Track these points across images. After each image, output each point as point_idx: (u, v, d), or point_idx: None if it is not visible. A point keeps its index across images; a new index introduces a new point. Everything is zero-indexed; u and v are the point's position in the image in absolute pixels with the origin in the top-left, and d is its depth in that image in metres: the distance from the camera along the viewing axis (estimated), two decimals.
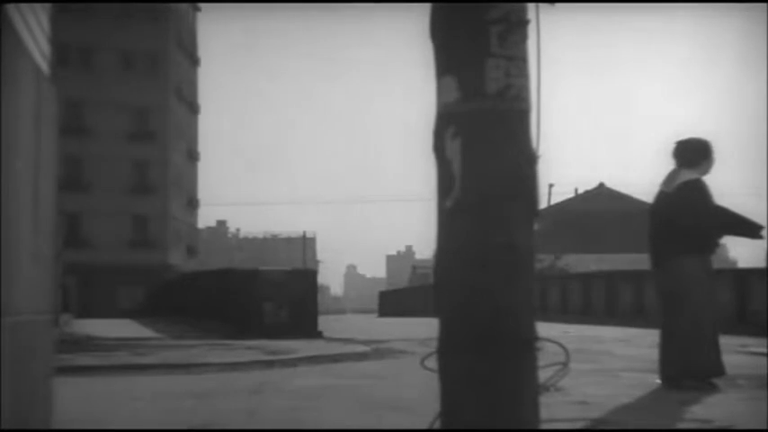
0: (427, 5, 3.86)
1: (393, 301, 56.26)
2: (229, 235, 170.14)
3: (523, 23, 3.78)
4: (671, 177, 8.14)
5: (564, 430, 5.69)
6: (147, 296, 49.79)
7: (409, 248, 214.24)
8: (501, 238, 3.68)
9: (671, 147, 8.25)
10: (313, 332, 18.04)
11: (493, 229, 3.69)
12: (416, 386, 6.99)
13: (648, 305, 23.98)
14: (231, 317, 20.36)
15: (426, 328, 9.46)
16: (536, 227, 3.79)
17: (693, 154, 8.11)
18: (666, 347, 7.89)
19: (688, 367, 7.78)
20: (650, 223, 8.19)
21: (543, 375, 3.90)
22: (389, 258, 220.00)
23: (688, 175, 8.03)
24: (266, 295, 18.91)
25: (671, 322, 7.90)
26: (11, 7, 4.11)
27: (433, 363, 3.85)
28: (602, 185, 65.57)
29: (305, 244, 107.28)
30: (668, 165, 8.22)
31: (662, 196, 8.14)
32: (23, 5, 4.49)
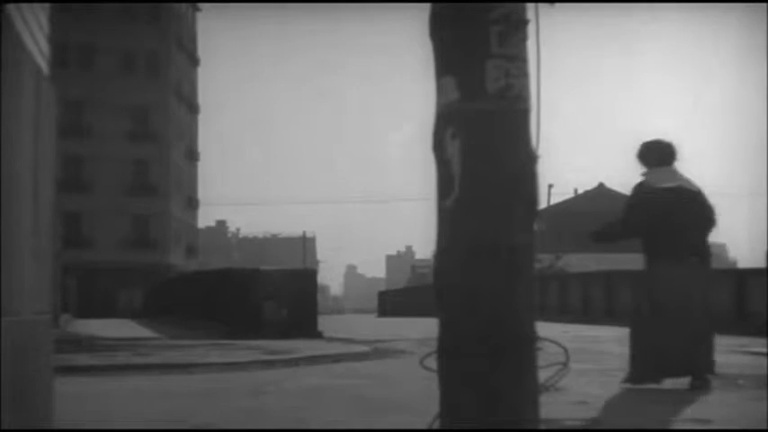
0: (427, 5, 3.86)
1: (393, 301, 56.26)
2: (229, 235, 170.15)
3: (523, 23, 3.78)
4: (678, 176, 8.14)
5: (564, 430, 5.70)
6: (147, 296, 49.77)
7: (409, 248, 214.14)
8: (501, 238, 3.68)
9: (640, 148, 8.28)
10: (313, 332, 18.02)
11: (493, 230, 3.69)
12: (416, 386, 6.99)
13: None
14: (231, 317, 20.35)
15: (426, 328, 9.46)
16: (536, 227, 3.79)
17: (671, 155, 8.22)
18: (667, 345, 7.88)
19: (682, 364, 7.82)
20: (682, 217, 8.03)
21: (543, 375, 3.90)
22: (389, 258, 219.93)
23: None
24: (266, 295, 18.90)
25: (674, 320, 7.87)
26: (11, 7, 4.11)
27: (432, 363, 3.85)
28: (601, 185, 65.56)
29: (305, 244, 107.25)
30: (670, 165, 8.21)
31: (687, 193, 8.08)
32: (23, 5, 4.49)
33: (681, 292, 7.91)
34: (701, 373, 7.79)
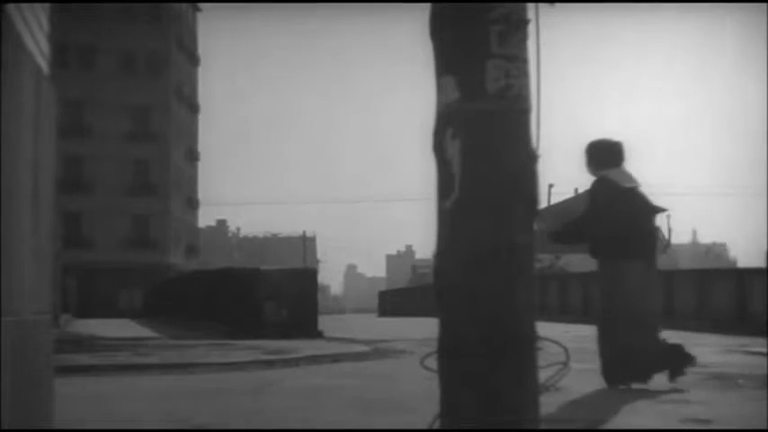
0: (427, 5, 3.86)
1: (393, 301, 56.28)
2: (229, 235, 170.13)
3: (523, 23, 3.78)
4: (632, 176, 8.16)
5: (564, 430, 5.70)
6: (147, 296, 49.80)
7: (409, 248, 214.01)
8: (501, 238, 3.68)
9: (589, 147, 8.21)
10: (313, 332, 18.02)
11: (493, 230, 3.69)
12: (416, 386, 6.99)
13: None
14: (231, 317, 20.35)
15: (426, 328, 9.46)
16: (536, 227, 3.80)
17: (620, 154, 8.18)
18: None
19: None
20: (647, 221, 8.14)
21: (543, 375, 3.90)
22: (389, 258, 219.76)
23: None
24: (266, 295, 18.89)
25: (650, 319, 7.97)
26: (11, 7, 4.11)
27: (432, 363, 3.85)
28: None
29: (305, 244, 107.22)
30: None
31: (643, 194, 8.17)
32: (23, 5, 4.49)
33: (652, 292, 8.02)
34: (680, 365, 7.79)
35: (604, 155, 8.11)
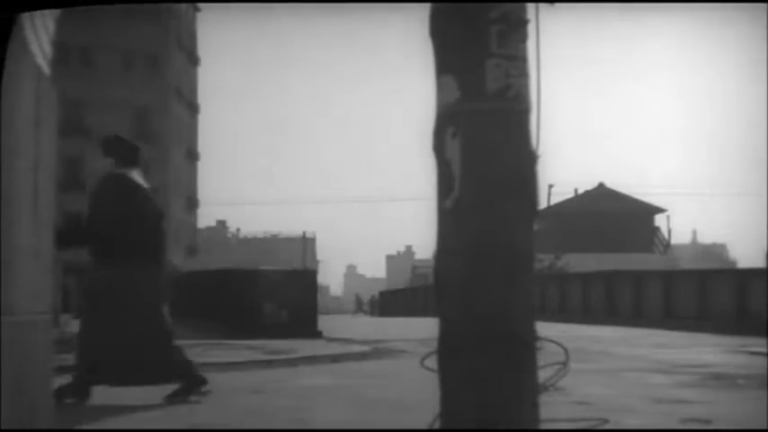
0: (427, 5, 3.86)
1: (393, 302, 56.29)
2: (229, 235, 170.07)
3: (523, 23, 3.79)
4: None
5: (564, 430, 5.69)
6: None
7: (409, 248, 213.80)
8: (501, 238, 3.69)
9: (112, 141, 7.82)
10: (313, 332, 18.01)
11: (493, 230, 3.69)
12: (416, 386, 7.00)
13: (648, 305, 24.00)
14: (231, 317, 20.33)
15: (426, 328, 9.47)
16: (536, 227, 3.80)
17: (138, 156, 7.76)
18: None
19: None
20: (160, 226, 7.76)
21: (543, 375, 3.90)
22: (389, 258, 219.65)
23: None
24: (266, 295, 18.89)
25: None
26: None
27: (433, 363, 3.85)
28: (602, 185, 65.58)
29: (305, 244, 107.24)
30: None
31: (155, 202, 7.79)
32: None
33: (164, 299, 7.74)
34: (192, 385, 7.47)
35: (129, 153, 7.72)
